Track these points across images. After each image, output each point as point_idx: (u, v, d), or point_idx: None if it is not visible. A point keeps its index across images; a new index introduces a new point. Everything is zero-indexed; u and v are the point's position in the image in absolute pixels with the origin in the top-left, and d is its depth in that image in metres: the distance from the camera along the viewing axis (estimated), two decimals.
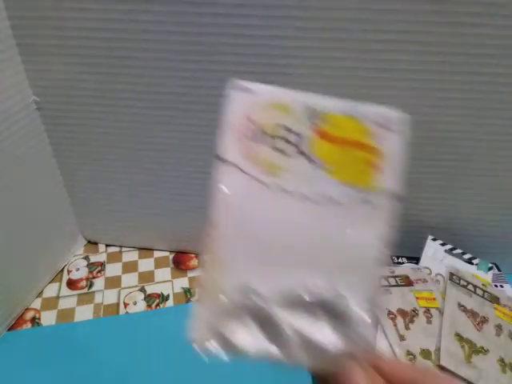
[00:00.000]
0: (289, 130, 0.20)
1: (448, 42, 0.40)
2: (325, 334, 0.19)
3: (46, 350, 0.49)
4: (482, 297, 0.46)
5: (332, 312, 0.19)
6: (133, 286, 0.59)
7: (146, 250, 0.64)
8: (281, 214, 0.20)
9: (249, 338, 0.20)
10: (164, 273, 0.61)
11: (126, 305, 0.56)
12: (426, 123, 0.46)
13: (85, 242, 0.65)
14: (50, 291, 0.57)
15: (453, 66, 0.41)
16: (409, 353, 0.39)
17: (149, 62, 0.43)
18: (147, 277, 0.60)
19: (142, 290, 0.58)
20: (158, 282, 0.59)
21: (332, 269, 0.19)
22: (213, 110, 0.48)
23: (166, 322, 0.53)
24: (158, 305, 0.56)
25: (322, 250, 0.20)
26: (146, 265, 0.62)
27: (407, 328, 0.41)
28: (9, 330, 0.52)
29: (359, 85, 0.43)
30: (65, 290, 0.58)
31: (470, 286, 0.47)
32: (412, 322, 0.42)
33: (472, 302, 0.45)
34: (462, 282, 0.48)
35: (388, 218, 0.20)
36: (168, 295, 0.57)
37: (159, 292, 0.58)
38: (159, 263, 0.62)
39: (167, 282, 0.59)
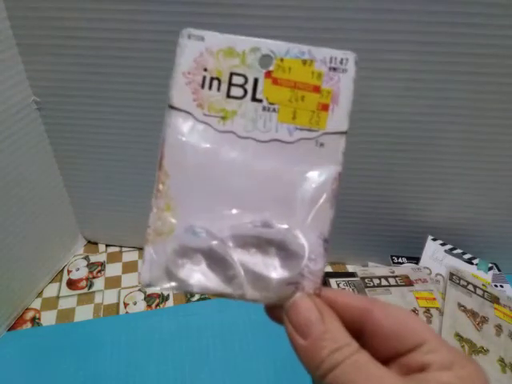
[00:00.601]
0: (242, 75, 0.20)
1: (448, 42, 0.40)
2: (273, 268, 0.20)
3: (46, 350, 0.49)
4: (482, 297, 0.46)
5: (281, 248, 0.20)
6: (133, 286, 0.59)
7: None
8: (230, 157, 0.20)
9: (201, 277, 0.21)
10: None
11: (126, 305, 0.56)
12: (425, 123, 0.46)
13: (85, 242, 0.65)
14: (50, 291, 0.57)
15: (454, 65, 0.41)
16: None
17: (149, 62, 0.43)
18: None
19: (142, 289, 0.58)
20: None
21: (281, 206, 0.20)
22: None
23: (166, 322, 0.53)
24: (158, 305, 0.56)
25: (271, 189, 0.20)
26: None
27: None
28: (9, 329, 0.52)
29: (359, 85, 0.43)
30: (65, 290, 0.58)
31: (470, 286, 0.47)
32: None
33: (472, 302, 0.45)
34: (462, 282, 0.48)
35: (336, 156, 0.21)
36: (168, 295, 0.57)
37: (159, 292, 0.58)
38: None
39: None
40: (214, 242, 0.20)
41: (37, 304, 0.55)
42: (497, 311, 0.45)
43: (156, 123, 0.50)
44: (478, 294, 0.46)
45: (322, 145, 0.20)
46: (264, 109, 0.20)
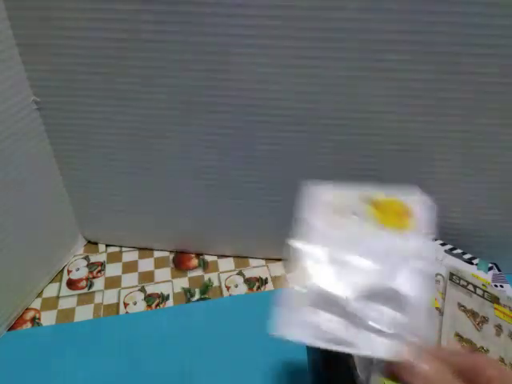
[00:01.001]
0: (352, 209, 0.29)
1: (447, 42, 0.40)
2: (387, 324, 0.24)
3: (46, 350, 0.49)
4: (482, 297, 0.46)
5: (396, 309, 0.24)
6: (133, 286, 0.59)
7: (145, 250, 0.64)
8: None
9: (329, 326, 0.25)
10: (164, 273, 0.61)
11: (126, 305, 0.56)
12: (425, 123, 0.46)
13: (85, 242, 0.65)
14: (50, 291, 0.57)
15: (453, 66, 0.41)
16: None
17: (149, 62, 0.44)
18: (147, 277, 0.60)
19: (142, 289, 0.58)
20: (157, 282, 0.59)
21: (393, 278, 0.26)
22: (213, 110, 0.48)
23: (166, 322, 0.53)
24: (158, 305, 0.56)
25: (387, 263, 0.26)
26: (146, 265, 0.62)
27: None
28: (9, 329, 0.52)
29: (359, 85, 0.43)
30: (65, 290, 0.58)
31: (470, 286, 0.47)
32: None
33: (472, 302, 0.45)
34: (462, 282, 0.48)
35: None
36: (168, 295, 0.57)
37: (159, 292, 0.58)
38: (159, 263, 0.63)
39: (167, 282, 0.59)
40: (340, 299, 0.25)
41: (37, 304, 0.55)
42: (497, 311, 0.45)
43: (156, 123, 0.50)
44: (478, 294, 0.46)
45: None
46: (366, 222, 0.29)
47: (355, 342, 0.24)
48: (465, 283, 0.48)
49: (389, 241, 0.27)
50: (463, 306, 0.45)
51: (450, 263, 0.51)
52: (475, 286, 0.47)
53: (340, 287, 0.25)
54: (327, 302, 0.25)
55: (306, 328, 0.25)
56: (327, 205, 0.29)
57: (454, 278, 0.48)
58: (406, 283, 0.25)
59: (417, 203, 0.29)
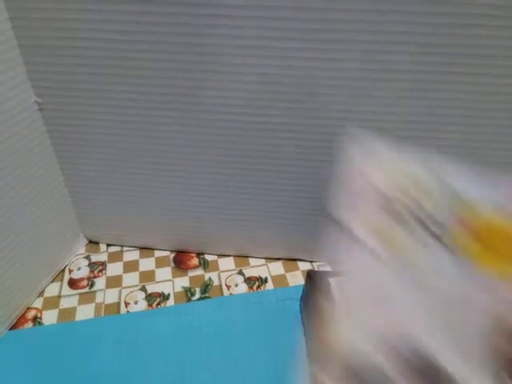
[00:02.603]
0: (428, 214, 0.17)
1: (448, 44, 0.40)
2: None
3: (47, 349, 0.50)
4: None
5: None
6: (134, 286, 0.59)
7: (146, 250, 0.65)
8: (395, 289, 0.17)
9: None
10: (165, 272, 0.61)
11: (126, 304, 0.56)
12: (425, 123, 0.46)
13: (86, 242, 0.65)
14: (52, 290, 0.58)
15: (453, 66, 0.41)
16: None
17: (150, 63, 0.44)
18: (148, 276, 0.60)
19: (143, 289, 0.58)
20: (158, 282, 0.60)
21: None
22: (214, 110, 0.48)
23: (167, 321, 0.53)
24: (158, 304, 0.56)
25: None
26: (147, 264, 0.62)
27: None
28: (10, 329, 0.52)
29: (358, 86, 0.43)
30: (66, 290, 0.58)
31: None
32: None
33: None
34: None
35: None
36: (169, 294, 0.58)
37: (160, 291, 0.58)
38: (160, 263, 0.63)
39: (168, 282, 0.60)
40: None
41: (38, 303, 0.56)
42: None
43: (157, 124, 0.50)
44: None
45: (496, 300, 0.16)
46: (451, 257, 0.17)
47: None
48: None
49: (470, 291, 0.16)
50: None
51: None
52: None
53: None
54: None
55: None
56: (374, 189, 0.17)
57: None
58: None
59: None
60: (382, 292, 0.17)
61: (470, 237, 0.16)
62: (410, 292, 0.16)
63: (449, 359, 0.16)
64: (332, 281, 0.20)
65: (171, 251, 0.65)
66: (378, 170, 0.17)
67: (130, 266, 0.62)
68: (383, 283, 0.17)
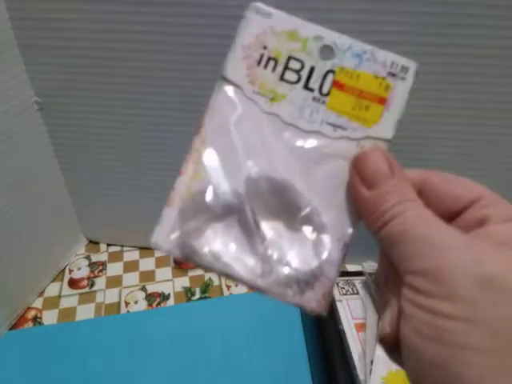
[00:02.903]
0: (299, 61, 0.20)
1: (446, 44, 0.40)
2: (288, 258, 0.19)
3: (47, 349, 0.50)
4: None
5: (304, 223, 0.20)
6: (134, 286, 0.59)
7: (146, 250, 0.65)
8: (269, 138, 0.20)
9: (221, 244, 0.20)
10: (165, 272, 0.61)
11: (127, 304, 0.56)
12: (425, 123, 0.46)
13: (86, 242, 0.66)
14: (52, 290, 0.58)
15: (453, 66, 0.41)
16: None
17: (149, 63, 0.44)
18: (148, 276, 0.61)
19: (143, 289, 0.58)
20: (158, 282, 0.60)
21: (308, 190, 0.20)
22: None
23: (167, 321, 0.53)
24: (158, 304, 0.56)
25: (302, 176, 0.20)
26: (147, 264, 0.62)
27: None
28: (10, 329, 0.52)
29: None
30: (66, 290, 0.58)
31: None
32: None
33: None
34: None
35: None
36: (169, 294, 0.58)
37: (160, 291, 0.58)
38: (160, 262, 0.63)
39: (168, 281, 0.60)
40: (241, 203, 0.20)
41: (38, 303, 0.56)
42: None
43: (156, 124, 0.50)
44: None
45: (362, 148, 0.20)
46: (314, 99, 0.20)
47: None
48: None
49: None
50: None
51: None
52: None
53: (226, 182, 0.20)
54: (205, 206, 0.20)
55: (184, 240, 0.20)
56: (260, 45, 0.21)
57: None
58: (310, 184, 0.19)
59: (399, 86, 0.20)
60: (250, 134, 0.20)
61: (335, 88, 0.20)
62: (276, 135, 0.20)
63: (303, 189, 0.20)
64: None
65: None
66: (270, 32, 0.21)
67: (130, 266, 0.62)
68: (251, 127, 0.20)
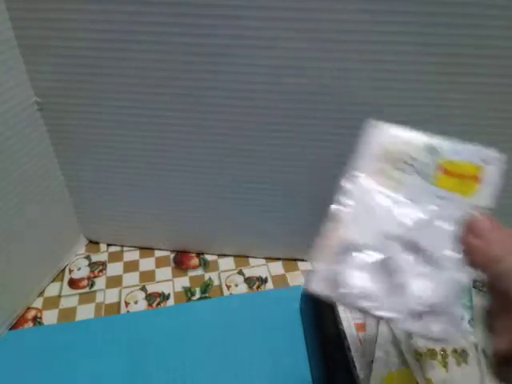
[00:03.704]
0: (413, 158, 0.28)
1: (446, 44, 0.40)
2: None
3: (47, 349, 0.50)
4: None
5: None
6: (134, 286, 0.59)
7: (146, 250, 0.65)
8: (395, 210, 0.28)
9: (363, 283, 0.25)
10: (165, 272, 0.61)
11: (127, 304, 0.56)
12: (425, 124, 0.46)
13: (86, 242, 0.66)
14: (52, 290, 0.58)
15: (453, 67, 0.41)
16: (417, 352, 0.39)
17: (150, 64, 0.44)
18: (148, 276, 0.61)
19: (143, 289, 0.58)
20: (158, 282, 0.60)
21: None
22: (213, 110, 0.48)
23: (167, 321, 0.53)
24: (158, 304, 0.56)
25: (424, 236, 0.27)
26: (147, 264, 0.63)
27: None
28: (11, 328, 0.52)
29: (358, 86, 0.43)
30: (66, 290, 0.58)
31: None
32: None
33: None
34: (485, 289, 0.47)
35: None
36: (169, 294, 0.58)
37: (160, 291, 0.58)
38: (160, 263, 0.63)
39: (168, 282, 0.60)
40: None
41: (38, 303, 0.56)
42: None
43: (156, 124, 0.50)
44: None
45: (469, 213, 0.26)
46: (426, 181, 0.28)
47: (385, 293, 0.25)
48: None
49: (436, 200, 0.27)
50: None
51: None
52: None
53: (367, 236, 0.26)
54: (354, 251, 0.26)
55: (332, 283, 0.25)
56: (383, 150, 0.28)
57: (477, 284, 0.48)
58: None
59: (490, 169, 0.28)
60: (380, 208, 0.27)
61: (441, 172, 0.28)
62: (401, 208, 0.27)
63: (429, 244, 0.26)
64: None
65: (171, 251, 0.65)
66: (387, 138, 0.29)
67: (130, 266, 0.62)
68: (380, 203, 0.27)
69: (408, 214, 0.27)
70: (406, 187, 0.27)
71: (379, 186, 0.28)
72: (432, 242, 0.26)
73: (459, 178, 0.27)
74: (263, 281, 0.61)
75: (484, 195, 0.27)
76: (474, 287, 0.47)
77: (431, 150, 0.28)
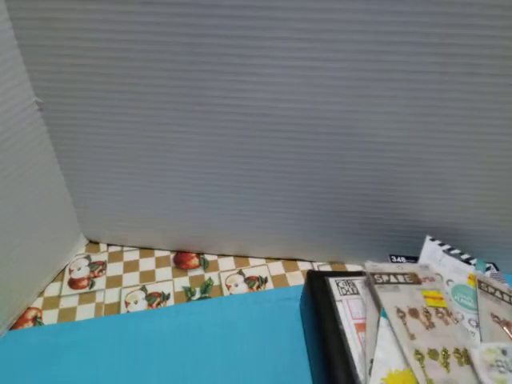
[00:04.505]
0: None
1: (446, 43, 0.40)
2: None
3: (47, 349, 0.50)
4: (510, 303, 0.45)
5: None
6: (134, 285, 0.59)
7: (146, 250, 0.65)
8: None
9: None
10: (165, 272, 0.61)
11: (127, 304, 0.56)
12: (425, 123, 0.46)
13: (86, 242, 0.66)
14: (52, 290, 0.58)
15: (452, 67, 0.41)
16: (417, 352, 0.39)
17: (149, 63, 0.44)
18: (148, 276, 0.61)
19: (143, 289, 0.58)
20: (158, 281, 0.60)
21: None
22: (213, 110, 0.48)
23: (167, 321, 0.53)
24: (158, 304, 0.56)
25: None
26: (147, 264, 0.63)
27: (431, 326, 0.41)
28: (10, 329, 0.52)
29: (358, 85, 0.43)
30: (66, 290, 0.58)
31: (497, 293, 0.46)
32: (431, 322, 0.42)
33: (502, 311, 0.44)
34: (490, 290, 0.47)
35: None
36: (169, 294, 0.58)
37: (160, 291, 0.58)
38: (160, 263, 0.63)
39: (168, 281, 0.60)
40: None
41: (38, 303, 0.56)
42: None
43: (156, 124, 0.50)
44: (505, 301, 0.45)
45: None
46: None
47: None
48: (492, 290, 0.47)
49: None
50: (497, 317, 0.44)
51: (448, 263, 0.51)
52: (502, 292, 0.47)
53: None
54: None
55: None
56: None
57: (482, 285, 0.47)
58: None
59: None
60: None
61: None
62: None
63: None
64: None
65: (171, 251, 0.65)
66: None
67: (130, 266, 0.62)
68: None
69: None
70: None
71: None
72: None
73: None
74: (263, 281, 0.61)
75: None
76: (479, 288, 0.47)
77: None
